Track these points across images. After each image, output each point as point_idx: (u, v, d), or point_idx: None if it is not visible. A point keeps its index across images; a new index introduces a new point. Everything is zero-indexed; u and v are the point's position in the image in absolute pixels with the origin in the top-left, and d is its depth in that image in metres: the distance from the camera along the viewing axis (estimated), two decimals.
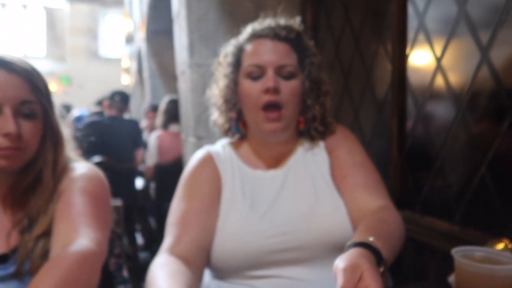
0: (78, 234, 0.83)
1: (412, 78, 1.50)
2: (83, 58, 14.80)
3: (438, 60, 1.36)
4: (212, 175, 1.11)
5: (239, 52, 1.12)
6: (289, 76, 1.07)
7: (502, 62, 1.13)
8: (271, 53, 1.06)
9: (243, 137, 1.20)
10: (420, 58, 1.47)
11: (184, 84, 2.39)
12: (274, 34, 1.08)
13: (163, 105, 3.94)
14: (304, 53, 1.11)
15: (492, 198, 1.16)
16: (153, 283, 0.83)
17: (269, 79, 1.04)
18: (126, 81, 10.25)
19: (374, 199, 1.02)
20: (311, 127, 1.13)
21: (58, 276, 0.74)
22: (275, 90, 1.03)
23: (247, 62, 1.08)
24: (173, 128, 3.77)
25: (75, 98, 13.27)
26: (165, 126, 3.82)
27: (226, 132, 1.19)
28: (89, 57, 14.92)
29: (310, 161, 1.13)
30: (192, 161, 1.16)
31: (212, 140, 2.09)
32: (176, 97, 3.85)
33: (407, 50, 1.52)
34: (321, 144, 1.16)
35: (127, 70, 10.18)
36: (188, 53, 2.20)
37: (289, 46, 1.09)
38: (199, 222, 1.01)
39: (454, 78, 1.30)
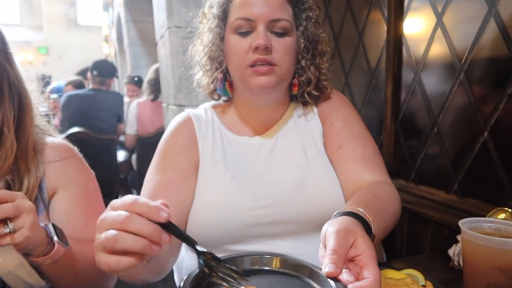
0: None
1: (409, 39, 1.39)
2: (61, 26, 14.23)
3: (439, 16, 1.25)
4: (189, 142, 1.01)
5: (226, 2, 0.97)
6: (282, 33, 0.94)
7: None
8: (263, 5, 0.92)
9: (228, 100, 1.08)
10: (419, 16, 1.36)
11: (163, 48, 2.24)
12: None
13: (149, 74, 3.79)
14: (301, 5, 0.98)
15: (494, 165, 1.08)
16: None
17: (259, 36, 0.91)
18: (107, 50, 9.89)
19: (370, 174, 0.93)
20: (304, 91, 1.02)
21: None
22: (266, 49, 0.91)
23: (235, 15, 0.95)
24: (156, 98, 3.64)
25: (54, 68, 12.87)
26: (155, 96, 3.65)
27: (211, 94, 1.07)
28: (68, 25, 14.36)
29: (302, 128, 1.03)
30: (170, 126, 1.06)
31: (193, 107, 1.97)
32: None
33: (404, 9, 1.40)
34: (315, 110, 1.06)
35: (106, 39, 9.80)
36: (166, 14, 2.03)
37: None
38: (171, 197, 0.92)
39: (456, 37, 1.20)
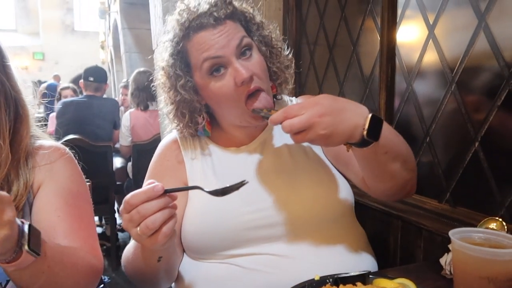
0: (82, 248, 0.90)
1: (402, 50, 1.41)
2: (57, 32, 14.24)
3: (431, 28, 1.27)
4: (174, 164, 1.05)
5: (184, 56, 0.97)
6: (248, 51, 0.96)
7: (502, 30, 1.05)
8: (223, 41, 0.93)
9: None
10: (411, 28, 1.38)
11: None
12: (214, 19, 0.94)
13: (131, 81, 3.75)
14: (245, 17, 1.01)
15: (485, 175, 1.10)
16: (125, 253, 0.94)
17: (238, 70, 0.92)
18: (103, 56, 9.90)
19: None
20: (282, 91, 1.09)
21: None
22: (251, 78, 0.93)
23: (200, 59, 0.94)
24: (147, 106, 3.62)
25: (50, 74, 12.82)
26: (145, 105, 3.63)
27: (191, 135, 1.08)
28: (64, 31, 14.36)
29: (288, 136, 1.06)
30: (157, 149, 1.11)
31: None
32: (143, 69, 3.69)
33: (397, 20, 1.42)
34: None
35: (103, 45, 9.82)
36: (163, 23, 2.05)
37: (232, 21, 0.97)
38: None
39: (447, 48, 1.22)
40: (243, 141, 1.07)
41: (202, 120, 1.04)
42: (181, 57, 0.97)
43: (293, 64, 1.09)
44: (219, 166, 1.03)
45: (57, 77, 8.40)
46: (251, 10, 1.02)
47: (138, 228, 0.70)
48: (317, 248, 0.96)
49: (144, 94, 3.57)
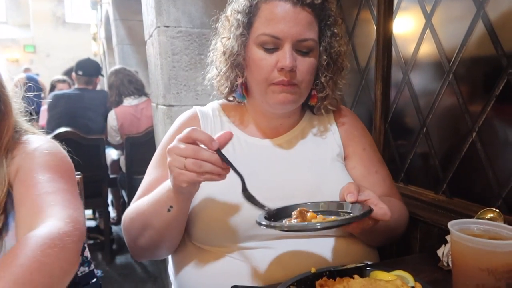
0: (45, 215, 0.71)
1: (398, 40, 1.39)
2: (48, 24, 14.01)
3: (428, 17, 1.25)
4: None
5: (252, 11, 0.95)
6: (307, 51, 0.94)
7: (500, 18, 1.04)
8: (291, 23, 0.91)
9: (242, 102, 1.09)
10: (408, 17, 1.36)
11: (151, 48, 2.21)
12: None
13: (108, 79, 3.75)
14: (326, 21, 0.98)
15: (482, 166, 1.09)
16: (134, 208, 0.93)
17: (285, 57, 0.91)
18: (95, 49, 9.77)
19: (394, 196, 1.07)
20: (321, 106, 1.05)
21: (17, 270, 0.59)
22: (291, 70, 0.92)
23: (261, 29, 0.93)
24: (129, 101, 3.57)
25: (41, 67, 12.68)
26: (118, 102, 3.59)
27: (226, 96, 1.07)
28: (55, 23, 14.14)
29: (319, 142, 1.05)
30: (176, 122, 1.08)
31: (183, 107, 1.95)
32: (119, 67, 3.70)
33: (394, 10, 1.40)
34: (334, 128, 1.08)
35: (95, 37, 9.69)
36: (155, 13, 2.01)
37: (313, 15, 0.94)
38: None
39: (445, 38, 1.20)
40: (267, 133, 1.04)
41: (240, 79, 1.01)
42: (249, 12, 0.95)
43: (344, 88, 1.08)
44: (240, 154, 0.99)
45: (28, 70, 8.40)
46: (338, 20, 0.99)
47: (186, 160, 0.75)
48: (319, 242, 0.94)
49: (115, 92, 3.60)
